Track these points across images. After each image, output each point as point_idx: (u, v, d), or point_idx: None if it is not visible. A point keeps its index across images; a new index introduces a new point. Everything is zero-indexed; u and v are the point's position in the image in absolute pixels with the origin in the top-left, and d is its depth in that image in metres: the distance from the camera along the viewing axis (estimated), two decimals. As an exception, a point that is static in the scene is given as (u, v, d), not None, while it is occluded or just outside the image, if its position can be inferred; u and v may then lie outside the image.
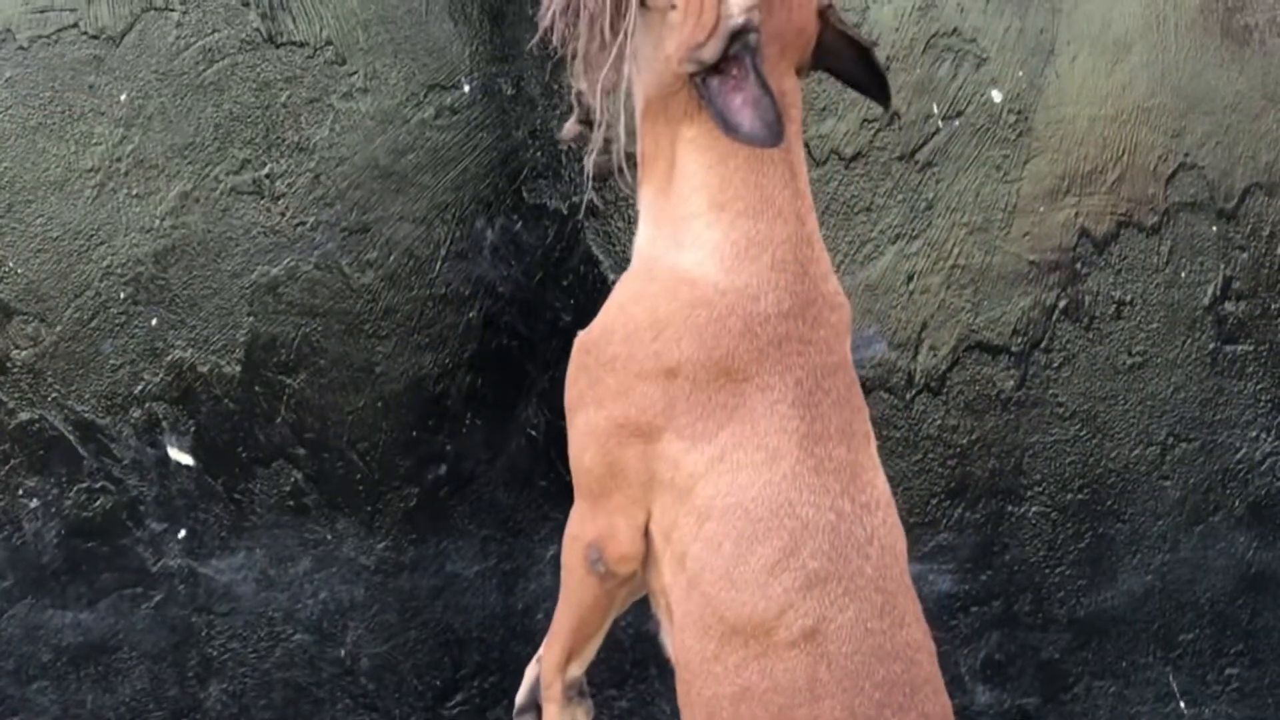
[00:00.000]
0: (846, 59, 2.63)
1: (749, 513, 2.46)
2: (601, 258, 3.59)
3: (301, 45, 3.50)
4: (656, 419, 2.50)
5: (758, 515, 2.46)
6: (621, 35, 2.49)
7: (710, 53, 2.45)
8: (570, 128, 2.67)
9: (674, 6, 2.47)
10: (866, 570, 2.47)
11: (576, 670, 2.78)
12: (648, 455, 2.52)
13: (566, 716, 2.79)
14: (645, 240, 2.61)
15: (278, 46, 3.49)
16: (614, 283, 3.44)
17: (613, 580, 2.62)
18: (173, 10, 3.46)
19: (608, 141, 2.61)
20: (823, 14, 2.58)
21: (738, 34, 2.44)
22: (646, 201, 2.61)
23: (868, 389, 3.65)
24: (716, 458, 2.47)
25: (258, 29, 3.48)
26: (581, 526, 2.64)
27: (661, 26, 2.49)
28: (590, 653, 2.78)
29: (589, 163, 2.65)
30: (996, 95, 3.66)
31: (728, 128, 2.44)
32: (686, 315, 2.49)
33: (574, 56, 2.55)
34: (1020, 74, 3.67)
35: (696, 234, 2.52)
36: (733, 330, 2.47)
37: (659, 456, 2.51)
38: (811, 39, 2.57)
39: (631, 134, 2.63)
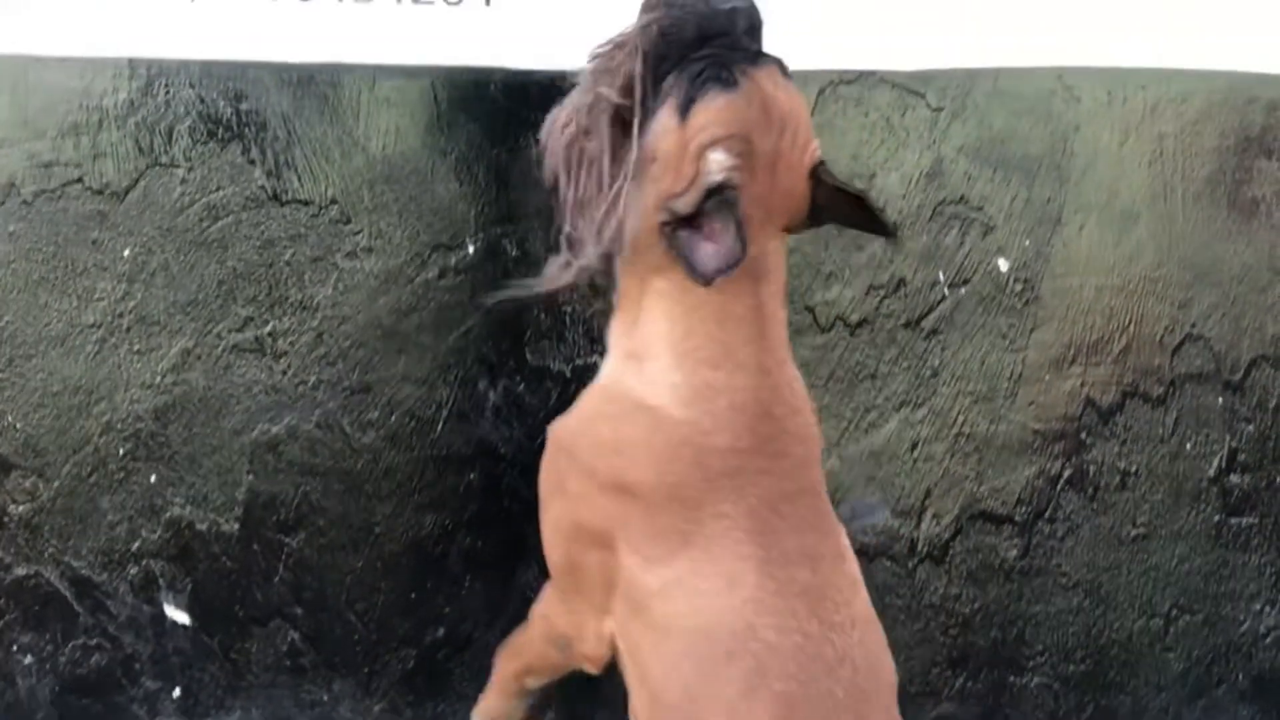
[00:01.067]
0: (845, 210, 2.63)
1: (710, 636, 2.44)
2: None
3: (306, 204, 3.50)
4: (613, 530, 2.52)
5: (719, 638, 2.44)
6: (620, 180, 2.50)
7: (685, 205, 2.47)
8: (555, 269, 2.67)
9: (654, 159, 2.49)
10: (837, 692, 2.44)
11: (534, 684, 2.87)
12: (606, 562, 2.55)
13: (504, 704, 2.90)
14: (611, 367, 2.64)
15: (282, 204, 3.49)
16: None
17: (575, 663, 2.70)
18: (177, 167, 3.46)
19: (593, 286, 2.66)
20: (814, 173, 2.59)
21: (714, 190, 2.46)
22: (617, 334, 2.64)
23: (869, 556, 3.63)
24: (673, 581, 2.47)
25: (262, 186, 3.48)
26: (553, 609, 2.71)
27: (640, 178, 2.51)
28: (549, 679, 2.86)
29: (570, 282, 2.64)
30: (1003, 263, 3.66)
31: (693, 273, 2.47)
32: (645, 439, 2.52)
33: (572, 200, 2.56)
34: (1027, 243, 3.66)
35: (657, 374, 2.54)
36: (685, 459, 2.49)
37: (617, 566, 2.54)
38: (803, 200, 2.58)
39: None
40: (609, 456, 2.55)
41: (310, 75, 3.49)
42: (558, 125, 2.56)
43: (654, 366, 2.55)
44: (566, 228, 2.60)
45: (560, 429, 2.66)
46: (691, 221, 2.47)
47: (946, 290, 3.65)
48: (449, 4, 3.52)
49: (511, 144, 3.54)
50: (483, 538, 3.57)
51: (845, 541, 2.59)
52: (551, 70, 3.51)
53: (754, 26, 2.55)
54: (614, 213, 2.51)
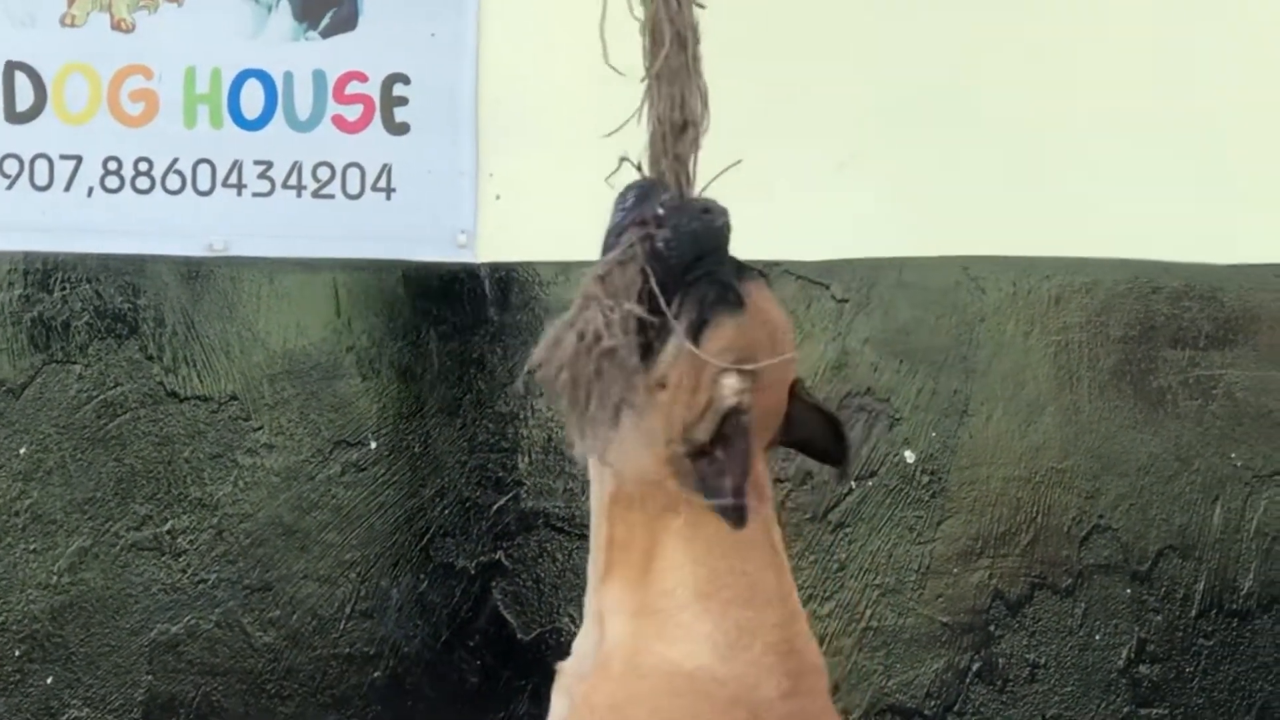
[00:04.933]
0: (813, 430, 2.60)
1: None
2: (510, 618, 3.54)
3: (205, 400, 3.47)
4: None
5: None
6: (631, 404, 2.39)
7: (704, 432, 2.39)
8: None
9: (662, 386, 2.40)
10: None
11: None
12: None
13: None
14: (623, 635, 2.47)
15: (181, 401, 3.46)
16: (527, 643, 3.49)
17: None
18: (74, 363, 3.43)
19: None
20: (793, 389, 2.56)
21: (730, 415, 2.39)
22: (616, 595, 2.49)
23: (779, 753, 3.60)
24: None
25: (160, 383, 3.45)
26: None
27: (645, 406, 2.41)
28: None
29: None
30: (910, 455, 3.66)
31: (724, 509, 2.37)
32: (690, 711, 2.40)
33: (581, 417, 2.41)
34: (934, 434, 3.67)
35: (685, 626, 2.42)
36: None
37: None
38: (782, 415, 2.54)
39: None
40: None
41: (209, 269, 3.47)
42: (568, 341, 2.39)
43: (680, 618, 2.43)
44: (577, 445, 2.44)
45: None
46: (705, 449, 2.40)
47: (854, 483, 3.64)
48: (349, 197, 3.51)
49: (414, 338, 3.52)
50: (387, 738, 3.54)
51: None
52: (454, 263, 3.53)
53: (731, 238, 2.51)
54: (619, 436, 2.40)
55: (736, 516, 2.37)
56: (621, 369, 2.36)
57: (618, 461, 2.44)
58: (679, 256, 2.42)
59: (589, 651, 2.52)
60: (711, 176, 2.53)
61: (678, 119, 2.51)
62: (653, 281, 2.39)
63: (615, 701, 2.45)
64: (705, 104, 2.52)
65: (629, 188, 2.51)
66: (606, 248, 2.46)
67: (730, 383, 2.41)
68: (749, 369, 2.42)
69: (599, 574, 2.51)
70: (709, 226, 2.46)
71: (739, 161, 2.52)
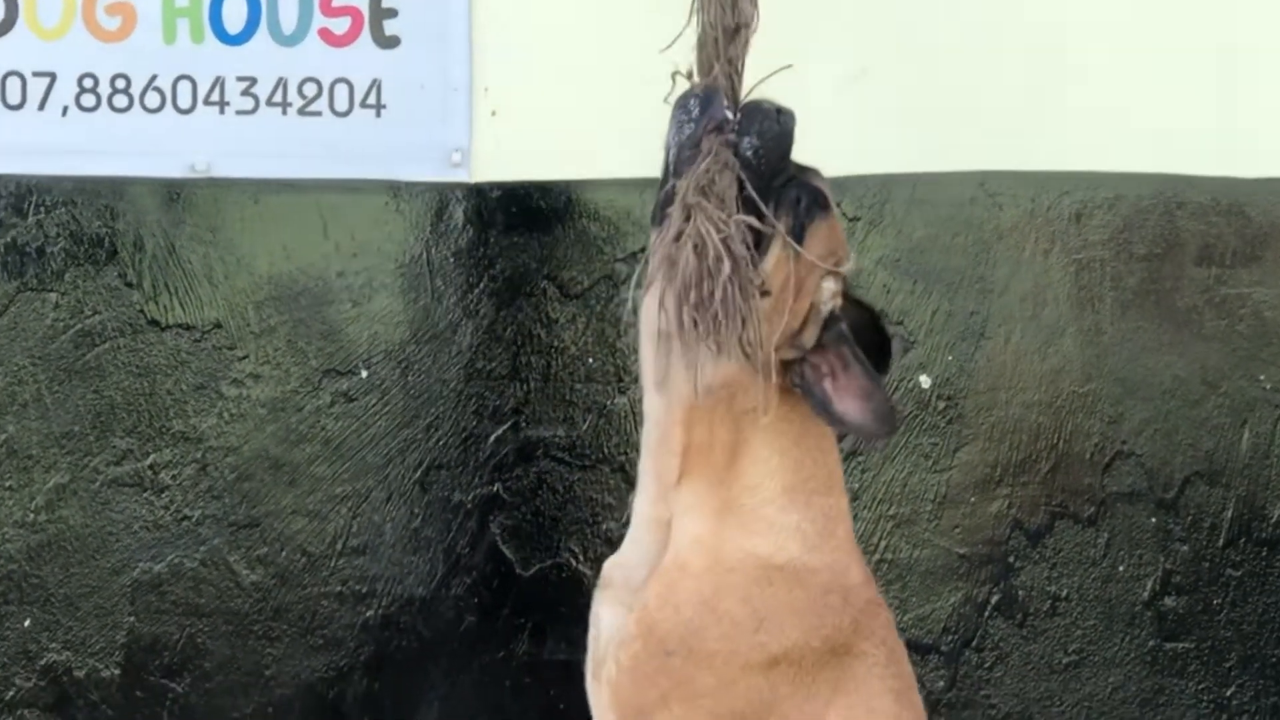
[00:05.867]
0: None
1: None
2: (508, 554, 3.46)
3: (188, 328, 3.39)
4: (761, 710, 2.47)
5: None
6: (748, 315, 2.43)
7: (810, 339, 2.49)
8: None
9: (766, 292, 2.45)
10: None
11: None
12: None
13: None
14: (704, 532, 2.53)
15: (162, 330, 3.38)
16: (526, 579, 3.42)
17: None
18: (50, 291, 3.35)
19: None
20: None
21: (830, 320, 2.49)
22: (697, 493, 2.54)
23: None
24: None
25: (141, 311, 3.38)
26: None
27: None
28: None
29: None
30: (925, 380, 3.57)
31: (833, 418, 2.50)
32: (786, 600, 2.49)
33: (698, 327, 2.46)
34: (950, 358, 3.58)
35: (771, 520, 2.52)
36: (834, 606, 2.50)
37: None
38: None
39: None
40: (749, 635, 2.46)
41: (190, 191, 3.38)
42: (686, 258, 2.43)
43: (765, 513, 2.52)
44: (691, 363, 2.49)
45: (652, 637, 2.50)
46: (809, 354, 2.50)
47: (867, 408, 3.55)
48: (337, 114, 3.41)
49: (406, 261, 3.42)
50: (380, 680, 3.46)
51: None
52: (447, 183, 3.44)
53: None
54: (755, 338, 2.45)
55: (891, 424, 2.52)
56: (743, 281, 2.42)
57: (711, 367, 2.49)
58: (769, 163, 2.50)
59: (642, 561, 2.58)
60: (759, 80, 2.55)
61: (730, 22, 2.54)
62: (750, 189, 2.45)
63: (704, 596, 2.50)
64: (755, 5, 2.55)
65: (688, 95, 2.57)
66: (681, 159, 2.49)
67: (830, 286, 2.52)
68: (844, 271, 2.54)
69: (669, 479, 2.55)
70: (786, 130, 2.53)
71: (789, 66, 2.55)
